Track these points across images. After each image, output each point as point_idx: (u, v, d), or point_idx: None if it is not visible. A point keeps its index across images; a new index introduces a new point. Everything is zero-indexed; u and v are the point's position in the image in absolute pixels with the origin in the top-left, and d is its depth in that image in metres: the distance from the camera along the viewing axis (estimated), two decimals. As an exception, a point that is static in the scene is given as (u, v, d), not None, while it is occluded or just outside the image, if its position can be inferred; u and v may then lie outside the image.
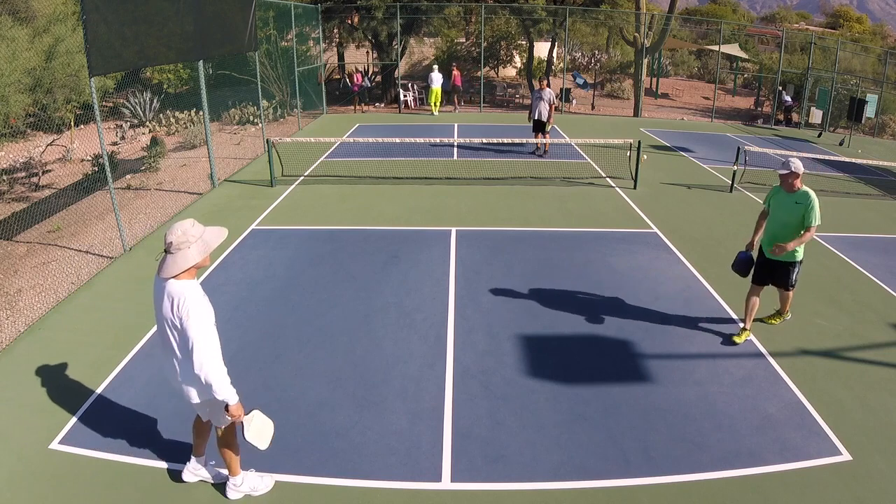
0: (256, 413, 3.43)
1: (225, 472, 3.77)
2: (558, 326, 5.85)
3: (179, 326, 3.06)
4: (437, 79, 19.11)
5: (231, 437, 3.53)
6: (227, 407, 3.22)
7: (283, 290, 6.53)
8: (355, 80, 20.27)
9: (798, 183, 5.24)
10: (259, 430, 3.39)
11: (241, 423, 3.31)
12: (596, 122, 18.92)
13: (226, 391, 3.13)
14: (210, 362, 3.04)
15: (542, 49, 26.25)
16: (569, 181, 11.22)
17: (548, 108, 12.91)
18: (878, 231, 9.23)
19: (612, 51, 31.88)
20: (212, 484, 3.77)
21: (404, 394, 4.74)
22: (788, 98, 21.48)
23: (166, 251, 3.07)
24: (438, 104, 19.46)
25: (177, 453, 4.04)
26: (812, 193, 5.22)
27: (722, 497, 3.75)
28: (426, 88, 20.03)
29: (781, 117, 21.44)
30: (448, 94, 20.59)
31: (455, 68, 21.13)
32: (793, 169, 5.17)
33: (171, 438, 4.19)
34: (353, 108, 20.34)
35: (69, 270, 7.06)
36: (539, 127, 13.16)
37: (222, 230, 3.24)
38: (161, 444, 4.10)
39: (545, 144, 13.27)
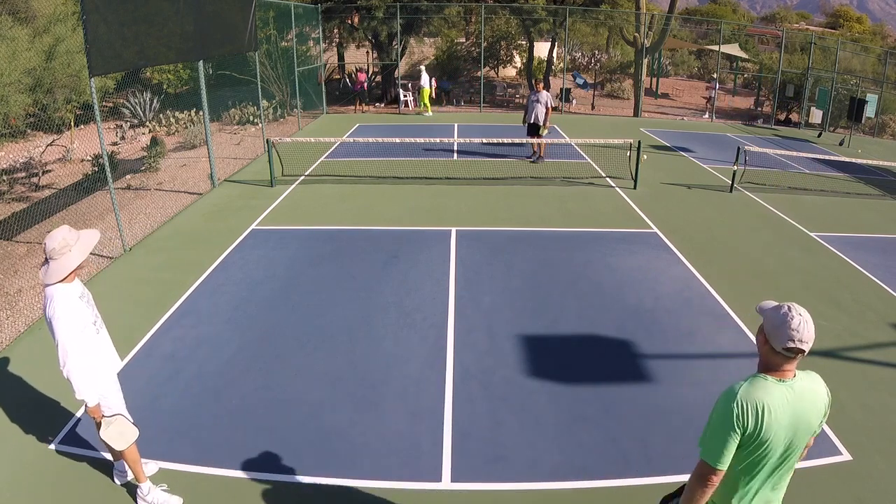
0: (119, 418, 3.42)
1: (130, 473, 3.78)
2: (558, 326, 5.85)
3: (50, 328, 3.14)
4: (426, 79, 19.22)
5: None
6: (86, 408, 3.28)
7: (283, 290, 6.53)
8: (358, 79, 20.25)
9: None
10: (119, 432, 3.38)
11: (100, 423, 3.34)
12: (596, 122, 18.92)
13: (84, 392, 3.19)
14: (71, 361, 3.13)
15: (542, 49, 26.23)
16: (569, 181, 11.22)
17: (544, 111, 12.35)
18: (878, 231, 9.23)
19: (612, 51, 31.88)
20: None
21: (404, 394, 4.74)
22: (713, 92, 21.44)
23: (48, 259, 3.14)
24: (430, 104, 19.46)
25: (177, 453, 4.04)
26: (735, 394, 2.29)
27: (722, 497, 3.75)
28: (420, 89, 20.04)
29: (708, 106, 21.67)
30: (448, 93, 20.49)
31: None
32: None
33: (171, 438, 4.19)
34: (353, 108, 20.34)
35: (69, 270, 7.05)
36: (534, 131, 12.58)
37: (95, 232, 3.33)
38: (160, 444, 4.10)
39: (541, 149, 12.64)
